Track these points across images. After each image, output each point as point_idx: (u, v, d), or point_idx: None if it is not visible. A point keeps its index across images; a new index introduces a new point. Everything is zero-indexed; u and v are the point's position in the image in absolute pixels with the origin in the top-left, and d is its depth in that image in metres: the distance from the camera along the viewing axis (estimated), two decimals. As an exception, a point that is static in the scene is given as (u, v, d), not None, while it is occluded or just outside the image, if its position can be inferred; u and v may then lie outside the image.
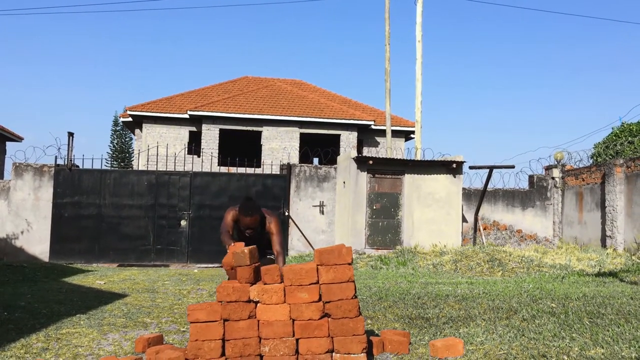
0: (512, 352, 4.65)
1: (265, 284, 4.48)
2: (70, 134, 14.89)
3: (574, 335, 5.13)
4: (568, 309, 6.17)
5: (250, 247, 4.63)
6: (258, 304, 4.47)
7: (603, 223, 15.14)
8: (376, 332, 5.68)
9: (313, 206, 15.95)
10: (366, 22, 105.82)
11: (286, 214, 15.71)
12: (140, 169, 21.62)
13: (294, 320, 4.44)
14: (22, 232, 14.58)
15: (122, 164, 50.63)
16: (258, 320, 4.44)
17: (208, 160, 21.18)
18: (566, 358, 4.47)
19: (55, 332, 5.86)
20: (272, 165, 18.22)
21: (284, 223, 15.64)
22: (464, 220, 16.41)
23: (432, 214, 14.86)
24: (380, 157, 15.09)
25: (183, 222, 15.15)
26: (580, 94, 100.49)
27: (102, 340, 5.57)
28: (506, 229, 16.90)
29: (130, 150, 51.50)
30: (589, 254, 13.47)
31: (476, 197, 16.74)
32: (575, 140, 63.94)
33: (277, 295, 4.44)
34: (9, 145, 25.12)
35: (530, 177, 17.75)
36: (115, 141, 52.39)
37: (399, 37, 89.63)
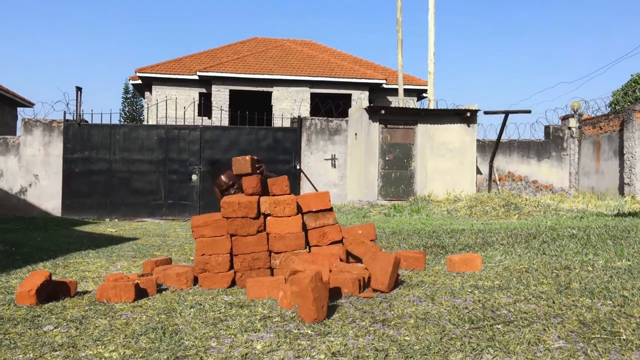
0: (533, 266, 4.46)
1: (274, 195, 4.28)
2: (79, 89, 14.70)
3: (598, 252, 4.92)
4: (590, 234, 5.95)
5: (251, 155, 4.40)
6: (268, 217, 4.28)
7: (621, 171, 14.78)
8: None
9: (324, 159, 15.72)
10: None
11: (297, 167, 15.50)
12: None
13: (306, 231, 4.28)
14: (33, 188, 14.53)
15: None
16: (267, 234, 4.26)
17: (218, 121, 20.98)
18: (591, 269, 4.27)
19: (63, 261, 5.76)
20: (282, 118, 17.91)
21: (295, 177, 15.45)
22: (478, 172, 16.12)
23: (446, 164, 14.59)
24: (392, 106, 14.78)
25: (194, 177, 15.01)
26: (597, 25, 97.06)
27: (110, 267, 5.45)
28: (521, 180, 16.60)
29: (141, 117, 51.35)
30: (607, 202, 13.17)
31: (490, 149, 16.41)
32: (594, 73, 62.14)
33: (289, 207, 4.24)
34: (20, 111, 25.10)
35: (546, 127, 17.34)
36: (127, 109, 52.21)
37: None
